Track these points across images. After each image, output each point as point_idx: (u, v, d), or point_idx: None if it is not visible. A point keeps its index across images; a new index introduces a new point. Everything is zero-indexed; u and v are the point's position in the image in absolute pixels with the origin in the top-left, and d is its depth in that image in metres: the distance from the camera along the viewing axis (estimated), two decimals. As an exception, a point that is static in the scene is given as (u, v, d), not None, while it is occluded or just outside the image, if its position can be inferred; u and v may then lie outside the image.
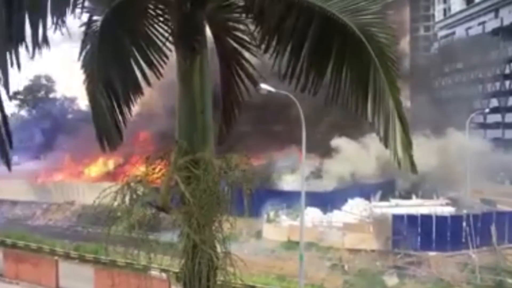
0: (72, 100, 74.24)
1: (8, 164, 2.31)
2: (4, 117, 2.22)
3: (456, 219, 29.35)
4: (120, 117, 5.49)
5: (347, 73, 4.80)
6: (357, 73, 4.78)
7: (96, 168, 47.09)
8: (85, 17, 5.08)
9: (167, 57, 5.66)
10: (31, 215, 40.90)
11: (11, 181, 36.35)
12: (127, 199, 4.99)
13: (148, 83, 5.70)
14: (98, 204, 4.93)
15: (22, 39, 2.95)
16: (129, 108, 5.63)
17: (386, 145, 4.70)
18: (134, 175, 5.16)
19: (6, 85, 3.04)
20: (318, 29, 4.76)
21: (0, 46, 2.41)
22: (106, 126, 5.36)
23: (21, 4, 3.27)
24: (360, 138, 37.04)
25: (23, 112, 75.37)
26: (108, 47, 5.13)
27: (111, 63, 5.29)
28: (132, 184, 5.05)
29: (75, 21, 4.99)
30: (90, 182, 41.80)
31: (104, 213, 5.12)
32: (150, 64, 5.60)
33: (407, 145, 4.67)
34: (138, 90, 5.66)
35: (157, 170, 5.23)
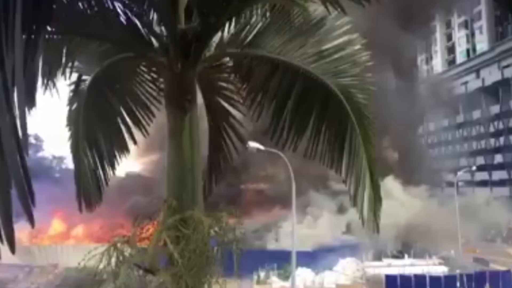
0: (61, 159, 73.90)
1: (31, 221, 2.20)
2: (26, 172, 2.15)
3: (449, 279, 28.82)
4: (102, 177, 5.46)
5: (326, 130, 5.00)
6: (335, 131, 4.97)
7: (81, 229, 46.11)
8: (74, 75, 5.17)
9: (154, 115, 5.73)
10: (13, 278, 39.45)
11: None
12: (113, 261, 4.83)
13: (135, 141, 5.74)
14: (83, 266, 4.76)
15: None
16: (113, 168, 5.62)
17: (354, 203, 4.78)
18: (121, 236, 5.03)
19: None
20: (301, 89, 4.97)
21: None
22: (87, 185, 5.31)
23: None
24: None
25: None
26: (95, 106, 5.21)
27: (97, 122, 5.34)
28: (119, 245, 4.90)
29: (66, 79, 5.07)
30: (75, 243, 40.73)
31: (89, 276, 4.93)
32: (137, 123, 5.65)
33: (376, 204, 4.73)
34: (123, 149, 5.68)
35: (145, 230, 5.11)
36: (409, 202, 39.08)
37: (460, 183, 42.52)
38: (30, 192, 2.13)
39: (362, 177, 4.78)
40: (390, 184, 37.57)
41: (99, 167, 5.42)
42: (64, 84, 5.14)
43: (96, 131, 5.35)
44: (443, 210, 37.99)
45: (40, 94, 4.22)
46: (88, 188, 5.31)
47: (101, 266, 4.78)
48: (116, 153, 5.65)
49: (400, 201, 37.65)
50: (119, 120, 5.54)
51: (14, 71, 2.14)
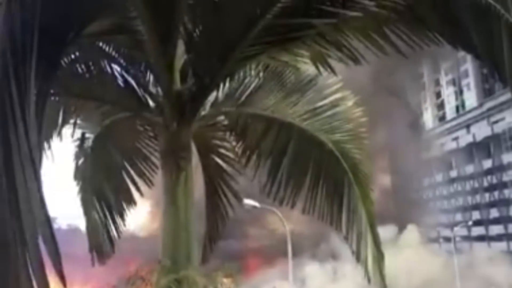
0: (53, 220, 72.80)
1: (62, 277, 2.20)
2: (51, 227, 2.18)
3: None
4: (113, 228, 5.51)
5: (323, 186, 5.04)
6: (333, 187, 5.01)
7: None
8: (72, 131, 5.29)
9: (157, 167, 5.81)
10: None
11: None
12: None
13: (140, 193, 5.84)
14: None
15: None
16: (123, 219, 5.67)
17: (358, 259, 4.75)
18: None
19: None
20: (296, 146, 5.05)
21: None
22: (99, 238, 5.34)
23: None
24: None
25: None
26: (100, 161, 5.32)
27: (104, 176, 5.45)
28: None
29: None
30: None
31: None
32: (141, 175, 5.76)
33: (379, 260, 4.70)
34: (130, 201, 5.75)
35: (139, 291, 5.00)
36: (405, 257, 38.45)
37: (457, 239, 42.02)
38: (57, 252, 2.18)
39: (363, 233, 4.76)
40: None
41: (109, 219, 5.49)
42: (58, 145, 5.23)
43: (103, 185, 5.47)
44: (442, 268, 37.30)
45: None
46: (100, 241, 5.35)
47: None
48: (124, 205, 5.73)
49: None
50: (124, 174, 5.68)
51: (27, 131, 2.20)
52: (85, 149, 5.29)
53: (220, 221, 6.19)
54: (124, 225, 5.79)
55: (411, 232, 42.66)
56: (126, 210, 5.81)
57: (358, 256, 4.79)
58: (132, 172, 5.77)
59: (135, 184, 5.78)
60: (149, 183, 5.90)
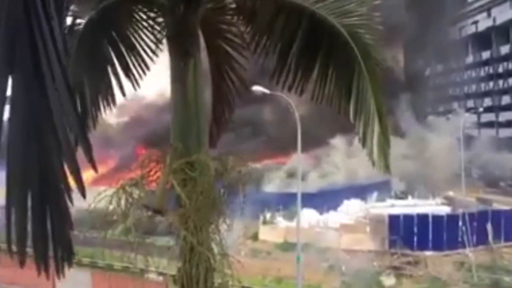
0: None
1: (94, 166, 2.49)
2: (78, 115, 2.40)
3: (452, 218, 29.45)
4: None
5: (333, 72, 4.96)
6: (342, 73, 4.92)
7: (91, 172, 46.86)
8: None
9: (148, 69, 5.57)
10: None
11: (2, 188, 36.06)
12: (122, 202, 4.98)
13: (123, 93, 5.55)
14: (94, 208, 4.92)
15: None
16: (96, 118, 5.48)
17: (363, 145, 4.83)
18: (129, 178, 5.16)
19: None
20: (306, 30, 4.88)
21: None
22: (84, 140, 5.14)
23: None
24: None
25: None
26: (86, 51, 5.03)
27: (86, 68, 5.11)
28: (127, 187, 5.04)
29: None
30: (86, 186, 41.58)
31: (100, 217, 5.11)
32: (128, 73, 5.47)
33: (384, 146, 4.78)
34: (109, 100, 5.54)
35: (152, 173, 5.23)
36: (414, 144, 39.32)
37: (467, 124, 42.42)
38: (88, 145, 2.44)
39: (371, 119, 4.79)
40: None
41: (80, 117, 5.21)
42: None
43: (83, 78, 5.13)
44: (448, 151, 38.19)
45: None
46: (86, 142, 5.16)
47: (111, 207, 4.94)
48: (101, 104, 5.52)
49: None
50: (109, 69, 5.35)
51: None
52: (73, 36, 4.93)
53: (226, 109, 6.21)
54: (95, 127, 5.49)
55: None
56: (102, 110, 5.50)
57: (364, 143, 4.87)
58: (119, 69, 5.37)
59: (119, 82, 5.40)
60: (135, 84, 5.54)
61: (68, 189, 2.41)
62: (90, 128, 5.33)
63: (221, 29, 5.80)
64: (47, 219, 2.37)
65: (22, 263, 2.37)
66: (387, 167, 4.79)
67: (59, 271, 2.57)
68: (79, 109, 5.14)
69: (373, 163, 4.80)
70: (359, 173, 35.41)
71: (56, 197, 2.39)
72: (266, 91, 18.83)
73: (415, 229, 28.80)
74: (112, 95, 5.52)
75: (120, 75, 5.41)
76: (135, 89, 5.60)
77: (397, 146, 32.68)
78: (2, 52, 2.21)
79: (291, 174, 36.02)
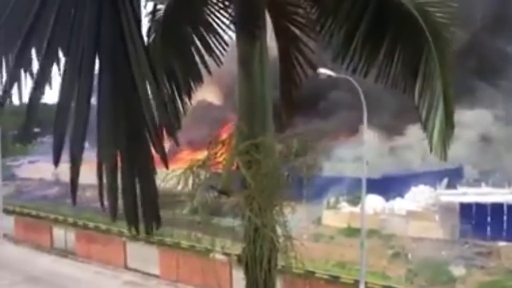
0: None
1: (175, 140, 2.82)
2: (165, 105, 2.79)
3: (529, 208, 27.78)
4: (181, 106, 5.65)
5: (400, 53, 4.79)
6: (410, 54, 4.75)
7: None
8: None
9: (227, 44, 5.74)
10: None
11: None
12: (190, 183, 5.13)
13: (209, 71, 5.81)
14: (163, 188, 5.10)
15: None
16: (190, 97, 5.78)
17: (425, 128, 4.63)
18: (196, 160, 5.30)
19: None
20: (374, 10, 4.72)
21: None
22: (166, 115, 5.45)
23: None
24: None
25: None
26: (170, 36, 5.27)
27: (173, 53, 5.43)
28: (194, 168, 5.18)
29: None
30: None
31: (168, 197, 5.29)
32: (211, 52, 5.70)
33: (447, 130, 4.56)
34: (199, 79, 5.80)
35: (218, 155, 5.33)
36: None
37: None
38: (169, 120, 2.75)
39: (435, 102, 4.60)
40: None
41: (177, 97, 5.59)
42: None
43: (173, 62, 5.46)
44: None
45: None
46: (168, 118, 5.48)
47: (179, 188, 5.11)
48: (192, 83, 5.79)
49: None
50: (193, 50, 5.62)
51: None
52: (156, 23, 5.20)
53: (293, 90, 6.19)
54: (191, 103, 5.81)
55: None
56: (193, 88, 5.77)
57: (425, 126, 4.68)
58: (201, 48, 5.61)
59: (203, 61, 5.69)
60: (218, 61, 5.82)
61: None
62: (187, 107, 5.67)
63: (288, 10, 5.75)
64: (135, 177, 2.55)
65: (113, 217, 2.57)
66: (444, 154, 4.58)
67: (148, 230, 2.82)
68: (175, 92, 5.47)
69: (431, 149, 4.61)
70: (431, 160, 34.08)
71: (143, 156, 2.60)
72: (332, 73, 18.53)
73: (488, 219, 27.48)
74: (200, 74, 5.76)
75: (203, 55, 5.66)
76: (218, 66, 5.82)
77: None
78: (90, 37, 2.36)
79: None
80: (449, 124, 4.62)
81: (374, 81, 4.94)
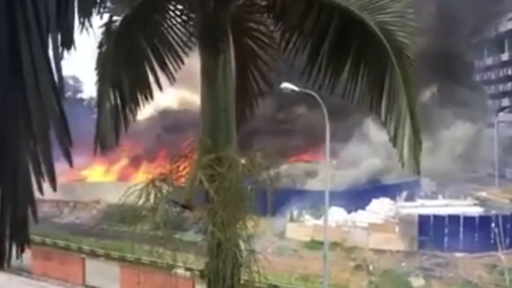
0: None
1: (69, 160, 2.36)
2: (62, 112, 2.27)
3: (484, 219, 28.68)
4: (122, 121, 5.42)
5: (364, 71, 4.88)
6: (374, 71, 4.83)
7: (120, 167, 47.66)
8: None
9: (182, 61, 5.60)
10: (59, 213, 41.72)
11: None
12: (151, 197, 5.04)
13: (160, 87, 5.60)
14: (124, 202, 4.99)
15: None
16: (134, 113, 5.53)
17: (394, 144, 4.73)
18: (158, 174, 5.21)
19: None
20: (338, 27, 4.81)
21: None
22: (105, 128, 5.18)
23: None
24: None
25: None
26: (123, 48, 5.10)
27: (124, 65, 5.22)
28: (156, 182, 5.10)
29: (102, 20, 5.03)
30: (116, 181, 42.35)
31: (130, 212, 5.18)
32: (164, 68, 5.53)
33: (416, 146, 4.67)
34: (147, 93, 5.59)
35: (181, 168, 5.26)
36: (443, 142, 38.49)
37: (501, 124, 41.26)
38: (66, 132, 2.24)
39: (402, 119, 4.68)
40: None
41: (120, 112, 5.35)
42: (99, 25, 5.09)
43: (122, 75, 5.22)
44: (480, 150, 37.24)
45: (83, 36, 4.18)
46: (106, 132, 5.19)
47: (140, 202, 5.01)
48: (139, 99, 5.56)
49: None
50: (146, 65, 5.42)
51: (48, 11, 2.18)
52: (111, 34, 5.00)
53: (248, 108, 6.14)
54: (135, 119, 5.56)
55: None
56: (141, 104, 5.55)
57: (394, 142, 4.78)
58: (155, 64, 5.44)
59: (155, 76, 5.48)
60: (171, 77, 5.59)
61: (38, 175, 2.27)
62: (130, 122, 5.46)
63: (250, 27, 5.77)
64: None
65: None
66: (417, 169, 4.69)
67: (4, 255, 2.34)
68: (118, 101, 5.22)
69: (403, 165, 4.71)
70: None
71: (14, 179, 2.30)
72: (296, 88, 18.73)
73: (446, 230, 28.21)
74: (150, 89, 5.59)
75: (156, 70, 5.49)
76: (171, 83, 5.66)
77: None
78: None
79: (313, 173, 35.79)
80: (417, 140, 4.72)
81: (341, 98, 5.00)
